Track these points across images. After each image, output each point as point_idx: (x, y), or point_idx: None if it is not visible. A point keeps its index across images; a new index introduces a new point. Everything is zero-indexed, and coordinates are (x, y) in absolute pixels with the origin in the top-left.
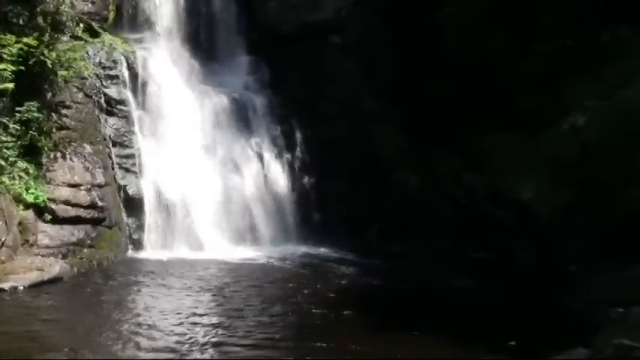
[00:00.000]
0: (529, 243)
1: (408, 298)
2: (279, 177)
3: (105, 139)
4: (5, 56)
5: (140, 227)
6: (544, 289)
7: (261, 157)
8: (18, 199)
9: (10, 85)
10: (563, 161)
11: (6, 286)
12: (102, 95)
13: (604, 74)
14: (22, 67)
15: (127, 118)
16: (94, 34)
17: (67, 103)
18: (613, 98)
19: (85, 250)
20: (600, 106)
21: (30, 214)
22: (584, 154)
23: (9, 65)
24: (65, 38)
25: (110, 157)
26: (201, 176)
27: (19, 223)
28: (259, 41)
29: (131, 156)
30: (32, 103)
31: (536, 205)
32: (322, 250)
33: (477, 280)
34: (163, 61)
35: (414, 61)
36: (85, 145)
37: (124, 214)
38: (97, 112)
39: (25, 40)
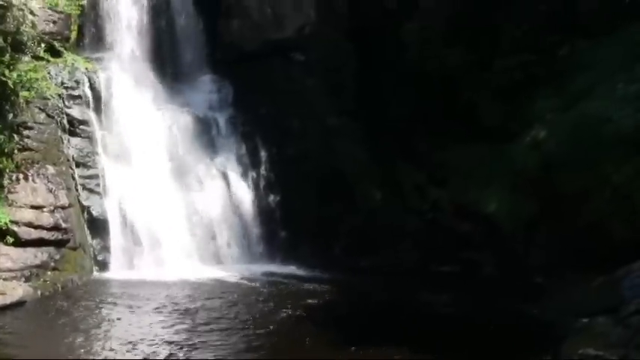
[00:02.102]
0: (494, 255)
1: (376, 313)
2: (244, 195)
3: (68, 160)
4: None
5: (105, 248)
6: (510, 301)
7: (225, 176)
8: None
9: None
10: (526, 174)
11: None
12: (64, 116)
13: (564, 87)
14: None
15: (90, 138)
16: (56, 54)
17: (29, 124)
18: (572, 111)
19: (49, 273)
20: (561, 119)
21: None
22: (546, 166)
23: None
24: (26, 58)
25: (73, 178)
26: (166, 196)
27: None
28: (223, 60)
29: (95, 176)
30: None
31: (500, 218)
32: (289, 268)
33: (444, 293)
34: (126, 80)
35: (378, 77)
36: (47, 166)
37: (88, 236)
38: (59, 132)
39: None
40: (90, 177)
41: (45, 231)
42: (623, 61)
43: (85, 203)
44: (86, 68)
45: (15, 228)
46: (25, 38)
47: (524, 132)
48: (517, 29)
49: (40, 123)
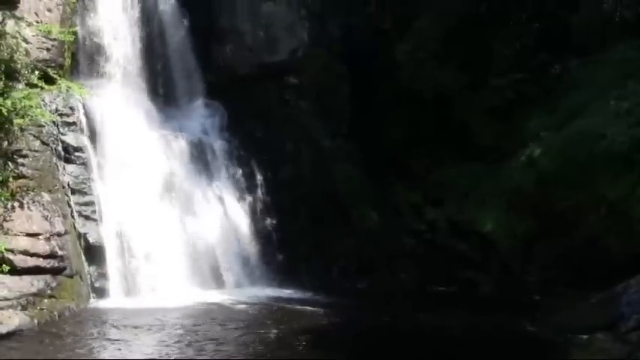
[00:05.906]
0: (492, 274)
1: (374, 335)
2: (241, 219)
3: (64, 187)
4: None
5: (102, 275)
6: (509, 319)
7: (222, 200)
8: None
9: None
10: (522, 192)
11: None
12: (59, 142)
13: (557, 105)
14: None
15: (85, 165)
16: (50, 81)
17: (24, 151)
18: (566, 129)
19: (46, 301)
20: (554, 137)
21: None
22: (542, 184)
23: None
24: (20, 86)
25: (69, 205)
26: (163, 221)
27: None
28: (216, 84)
29: (91, 203)
30: None
31: (497, 236)
32: (287, 291)
33: (442, 313)
34: (121, 106)
35: (371, 98)
36: (43, 193)
37: (85, 263)
38: (54, 159)
39: None
40: (86, 204)
41: (41, 259)
42: (614, 78)
43: (81, 230)
44: (81, 95)
45: (11, 256)
46: (19, 66)
47: (519, 150)
48: (509, 48)
49: (34, 150)
